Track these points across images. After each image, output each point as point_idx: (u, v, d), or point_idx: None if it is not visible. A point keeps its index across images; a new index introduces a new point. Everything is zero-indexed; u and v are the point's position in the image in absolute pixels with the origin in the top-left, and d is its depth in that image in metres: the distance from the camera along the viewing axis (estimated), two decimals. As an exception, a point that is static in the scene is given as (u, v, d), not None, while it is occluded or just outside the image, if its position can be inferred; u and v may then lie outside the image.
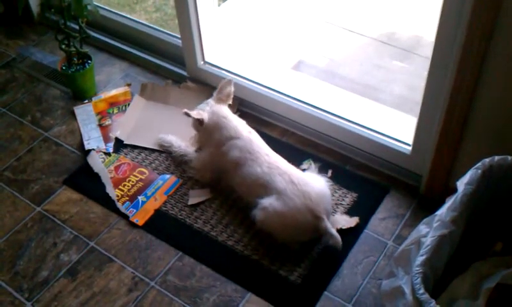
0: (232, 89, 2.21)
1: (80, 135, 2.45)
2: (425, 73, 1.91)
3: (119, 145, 2.40)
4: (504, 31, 1.61)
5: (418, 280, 1.35)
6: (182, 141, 2.32)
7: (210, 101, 2.22)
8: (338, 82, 2.65)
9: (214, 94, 2.22)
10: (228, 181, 2.13)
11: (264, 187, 1.98)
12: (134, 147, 2.39)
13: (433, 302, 1.30)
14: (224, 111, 2.17)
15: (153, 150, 2.36)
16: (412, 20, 3.04)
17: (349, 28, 3.00)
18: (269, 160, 2.03)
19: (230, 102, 2.22)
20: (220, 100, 2.20)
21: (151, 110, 2.55)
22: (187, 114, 2.13)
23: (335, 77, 2.71)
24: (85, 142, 2.41)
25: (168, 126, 2.43)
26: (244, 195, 2.08)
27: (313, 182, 1.99)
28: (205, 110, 2.19)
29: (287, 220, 1.92)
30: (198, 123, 2.16)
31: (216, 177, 2.18)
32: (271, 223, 1.95)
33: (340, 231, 2.02)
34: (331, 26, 3.03)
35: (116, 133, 2.43)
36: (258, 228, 1.99)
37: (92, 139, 2.43)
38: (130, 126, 2.46)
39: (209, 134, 2.16)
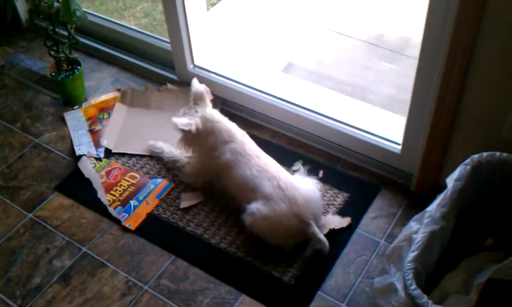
0: (207, 96, 2.17)
1: (71, 141, 2.45)
2: (413, 74, 1.93)
3: (110, 150, 2.40)
4: (490, 29, 1.63)
5: (410, 276, 1.36)
6: (172, 145, 2.31)
7: (197, 107, 2.15)
8: (328, 83, 2.66)
9: (191, 101, 2.17)
10: (220, 183, 2.14)
11: (253, 191, 1.99)
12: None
13: (425, 297, 1.31)
14: (217, 116, 2.16)
15: (143, 155, 2.36)
16: (400, 22, 3.06)
17: (338, 30, 3.02)
18: (259, 163, 2.04)
19: (208, 106, 2.18)
20: (201, 105, 2.16)
21: (134, 116, 2.55)
22: (177, 126, 2.08)
23: (325, 79, 2.73)
24: (76, 148, 2.41)
25: (153, 131, 2.43)
26: (235, 197, 2.09)
27: (301, 186, 1.99)
28: (195, 116, 2.12)
29: (274, 225, 1.93)
30: (188, 133, 2.10)
31: (208, 181, 2.19)
32: (259, 227, 1.96)
33: (332, 231, 2.04)
34: (320, 29, 3.05)
35: (103, 142, 2.43)
36: (249, 231, 2.00)
37: (83, 144, 2.42)
38: (115, 134, 2.46)
39: (202, 139, 2.13)
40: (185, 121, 2.09)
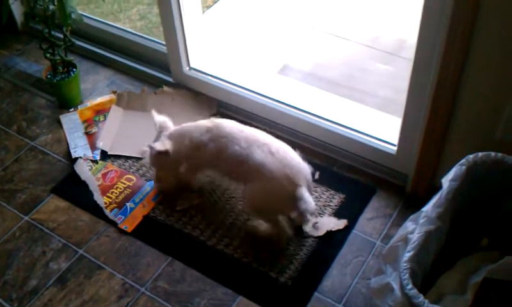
0: (169, 123, 2.16)
1: (67, 143, 2.45)
2: (409, 75, 1.93)
3: (106, 153, 2.40)
4: (485, 30, 1.64)
5: (406, 276, 1.37)
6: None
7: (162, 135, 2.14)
8: (324, 85, 2.67)
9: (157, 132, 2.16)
10: (215, 176, 2.14)
11: (245, 163, 1.95)
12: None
13: (421, 296, 1.32)
14: (172, 125, 2.15)
15: (139, 157, 2.36)
16: (395, 24, 3.07)
17: (334, 32, 3.03)
18: (245, 135, 2.00)
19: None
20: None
21: (130, 118, 2.55)
22: (154, 149, 2.07)
23: (320, 81, 2.74)
24: (72, 151, 2.41)
25: (149, 133, 2.42)
26: (231, 180, 2.08)
27: (293, 153, 1.99)
28: (162, 139, 2.10)
29: (267, 193, 1.92)
30: (164, 155, 2.07)
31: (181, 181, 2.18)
32: (253, 203, 1.97)
33: (328, 232, 2.04)
34: (316, 31, 3.05)
35: (99, 144, 2.42)
36: (247, 213, 2.02)
37: (79, 147, 2.42)
38: (111, 137, 2.46)
39: (181, 151, 2.09)
40: (159, 143, 2.08)
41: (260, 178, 1.92)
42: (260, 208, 1.98)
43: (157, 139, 2.14)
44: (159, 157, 2.08)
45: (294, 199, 1.89)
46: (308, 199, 1.88)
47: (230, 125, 2.06)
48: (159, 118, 2.15)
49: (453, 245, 1.64)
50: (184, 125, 2.13)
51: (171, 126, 2.15)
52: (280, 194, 1.91)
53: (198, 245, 2.05)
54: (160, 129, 2.14)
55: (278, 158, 1.92)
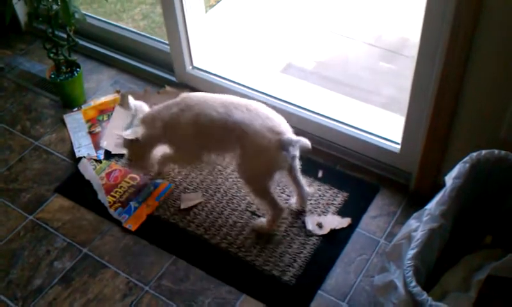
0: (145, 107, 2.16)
1: (71, 143, 2.46)
2: (412, 74, 1.93)
3: (110, 152, 2.40)
4: (487, 29, 1.64)
5: (410, 273, 1.37)
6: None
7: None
8: (327, 84, 2.67)
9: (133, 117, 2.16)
10: (199, 151, 2.10)
11: (225, 127, 1.94)
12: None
13: (425, 294, 1.32)
14: (147, 107, 2.15)
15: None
16: (398, 22, 3.07)
17: (337, 31, 3.03)
18: (220, 100, 2.00)
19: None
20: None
21: None
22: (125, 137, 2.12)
23: (324, 79, 2.74)
24: (76, 150, 2.41)
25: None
26: (214, 150, 2.07)
27: (269, 108, 1.98)
28: (133, 127, 2.13)
29: (255, 151, 1.91)
30: (135, 142, 2.11)
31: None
32: (245, 166, 1.96)
33: (332, 231, 2.04)
34: (319, 29, 3.05)
35: (103, 144, 2.43)
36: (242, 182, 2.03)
37: (83, 146, 2.43)
38: (115, 136, 2.46)
39: (158, 131, 2.09)
40: (130, 132, 2.11)
41: (245, 137, 1.91)
42: (253, 169, 1.96)
43: (131, 123, 2.15)
44: (131, 144, 2.12)
45: (281, 150, 1.89)
46: (300, 138, 1.91)
47: (198, 94, 2.07)
48: (135, 102, 2.15)
49: (456, 242, 1.64)
50: (154, 107, 2.13)
51: (146, 110, 2.15)
52: (268, 147, 1.89)
53: (201, 244, 2.06)
54: (136, 113, 2.14)
55: (257, 114, 1.92)
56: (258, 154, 1.91)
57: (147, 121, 2.10)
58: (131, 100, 2.15)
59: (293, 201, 2.14)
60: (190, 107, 2.01)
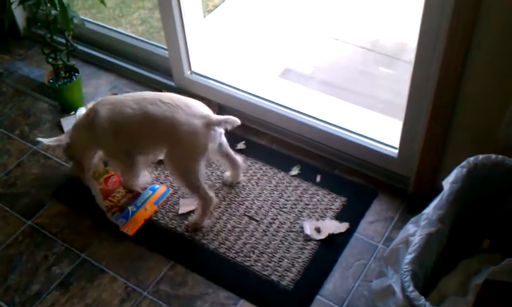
0: None
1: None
2: (409, 78, 1.94)
3: (108, 157, 2.40)
4: (484, 33, 1.65)
5: (408, 278, 1.37)
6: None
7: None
8: (325, 88, 2.68)
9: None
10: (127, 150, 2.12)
11: (143, 125, 1.97)
12: (123, 158, 2.40)
13: (423, 299, 1.32)
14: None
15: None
16: (396, 27, 3.08)
17: (334, 36, 3.04)
18: (132, 98, 2.02)
19: None
20: None
21: None
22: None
23: (321, 84, 2.75)
24: (74, 155, 2.41)
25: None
26: (140, 150, 2.09)
27: (179, 95, 2.01)
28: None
29: (184, 141, 1.93)
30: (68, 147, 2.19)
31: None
32: (174, 161, 2.00)
33: (330, 235, 2.05)
34: (317, 34, 3.06)
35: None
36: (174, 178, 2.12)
37: (81, 151, 2.43)
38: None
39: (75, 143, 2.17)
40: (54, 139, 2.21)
41: (171, 131, 1.93)
42: (185, 159, 1.98)
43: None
44: (65, 149, 2.22)
45: (209, 131, 1.94)
46: (228, 116, 1.95)
47: (111, 96, 2.12)
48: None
49: (454, 247, 1.64)
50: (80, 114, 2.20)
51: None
52: (197, 133, 1.92)
53: (199, 249, 2.06)
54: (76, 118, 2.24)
55: (176, 105, 1.95)
56: (188, 142, 1.94)
57: (71, 134, 2.16)
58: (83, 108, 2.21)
59: (228, 174, 2.24)
60: (103, 106, 2.04)
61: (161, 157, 2.15)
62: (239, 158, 2.20)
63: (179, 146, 1.96)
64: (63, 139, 2.19)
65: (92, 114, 2.05)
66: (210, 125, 1.94)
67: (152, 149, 2.10)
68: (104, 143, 2.11)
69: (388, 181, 2.22)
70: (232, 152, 2.16)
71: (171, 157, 2.00)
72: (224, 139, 2.09)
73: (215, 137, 1.99)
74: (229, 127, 2.00)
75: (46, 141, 2.20)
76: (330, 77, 2.80)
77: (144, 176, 2.26)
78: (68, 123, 2.56)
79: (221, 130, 2.03)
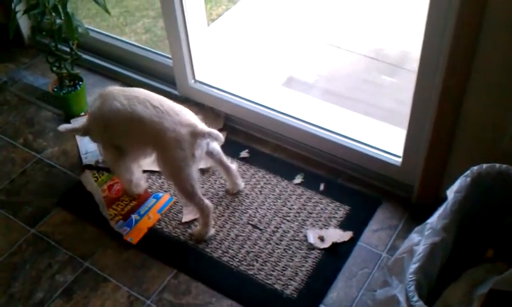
0: None
1: (77, 152, 2.47)
2: (413, 87, 1.94)
3: (112, 165, 2.41)
4: (488, 42, 1.65)
5: (412, 287, 1.36)
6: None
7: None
8: (328, 97, 2.68)
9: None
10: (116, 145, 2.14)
11: (131, 121, 1.98)
12: (127, 166, 2.40)
13: (427, 308, 1.31)
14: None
15: (145, 169, 2.37)
16: (399, 36, 3.09)
17: (338, 45, 3.04)
18: (123, 93, 2.03)
19: None
20: None
21: None
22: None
23: (325, 93, 2.75)
24: (82, 157, 2.43)
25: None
26: (129, 148, 2.11)
27: (170, 101, 2.02)
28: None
29: (170, 148, 1.93)
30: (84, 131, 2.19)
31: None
32: (166, 166, 2.00)
33: (334, 244, 2.04)
34: (320, 43, 3.07)
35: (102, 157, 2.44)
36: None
37: (89, 152, 2.44)
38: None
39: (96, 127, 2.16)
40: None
41: (158, 137, 1.93)
42: (173, 167, 1.98)
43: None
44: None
45: (195, 140, 1.94)
46: (212, 130, 1.95)
47: (115, 87, 2.11)
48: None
49: (458, 256, 1.63)
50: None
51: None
52: (181, 141, 1.92)
53: (203, 257, 2.06)
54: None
55: (166, 111, 1.95)
56: (174, 149, 1.93)
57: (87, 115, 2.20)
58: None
59: (228, 185, 2.24)
60: (101, 97, 2.07)
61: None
62: (233, 166, 2.19)
63: (166, 151, 1.97)
64: (80, 125, 2.20)
65: (95, 106, 2.10)
66: (195, 134, 1.94)
67: (141, 149, 2.10)
68: (95, 133, 2.15)
69: (391, 189, 2.22)
70: (225, 160, 2.15)
71: (160, 160, 2.02)
72: (216, 147, 2.09)
73: (201, 146, 1.98)
74: (213, 141, 2.01)
75: (64, 127, 2.19)
76: (333, 85, 2.81)
77: (140, 178, 2.27)
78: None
79: (208, 140, 2.02)
